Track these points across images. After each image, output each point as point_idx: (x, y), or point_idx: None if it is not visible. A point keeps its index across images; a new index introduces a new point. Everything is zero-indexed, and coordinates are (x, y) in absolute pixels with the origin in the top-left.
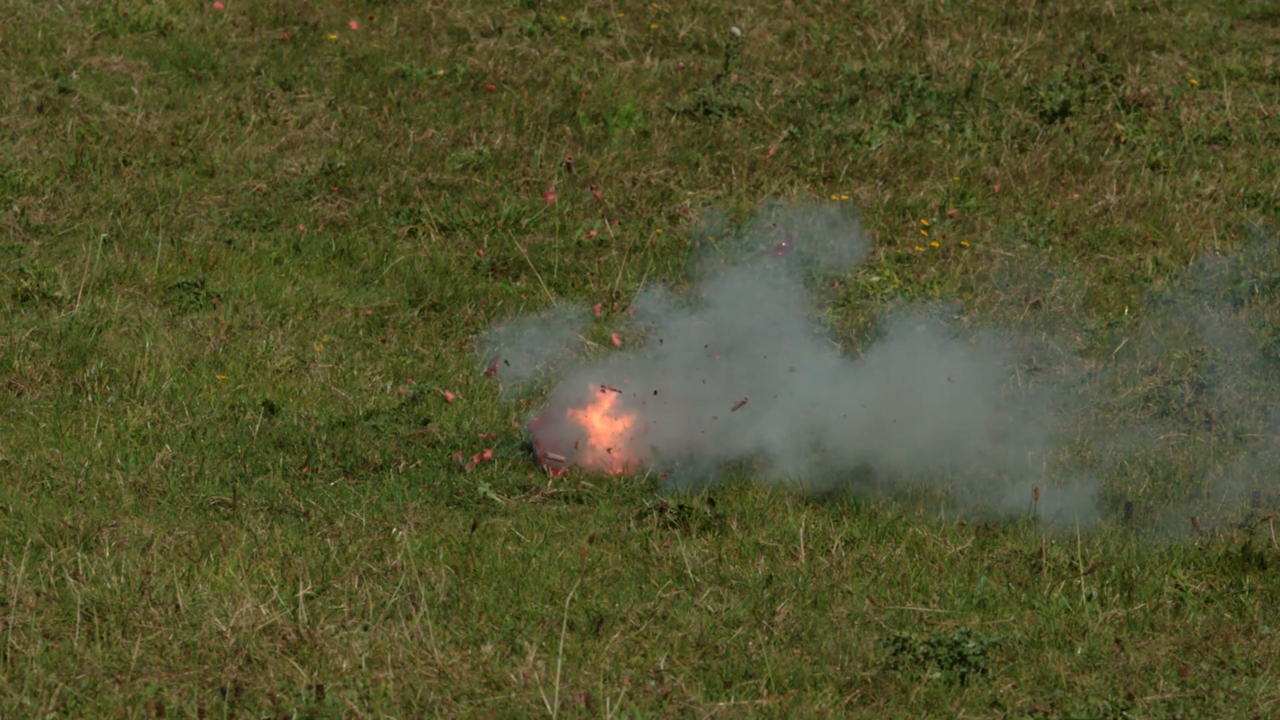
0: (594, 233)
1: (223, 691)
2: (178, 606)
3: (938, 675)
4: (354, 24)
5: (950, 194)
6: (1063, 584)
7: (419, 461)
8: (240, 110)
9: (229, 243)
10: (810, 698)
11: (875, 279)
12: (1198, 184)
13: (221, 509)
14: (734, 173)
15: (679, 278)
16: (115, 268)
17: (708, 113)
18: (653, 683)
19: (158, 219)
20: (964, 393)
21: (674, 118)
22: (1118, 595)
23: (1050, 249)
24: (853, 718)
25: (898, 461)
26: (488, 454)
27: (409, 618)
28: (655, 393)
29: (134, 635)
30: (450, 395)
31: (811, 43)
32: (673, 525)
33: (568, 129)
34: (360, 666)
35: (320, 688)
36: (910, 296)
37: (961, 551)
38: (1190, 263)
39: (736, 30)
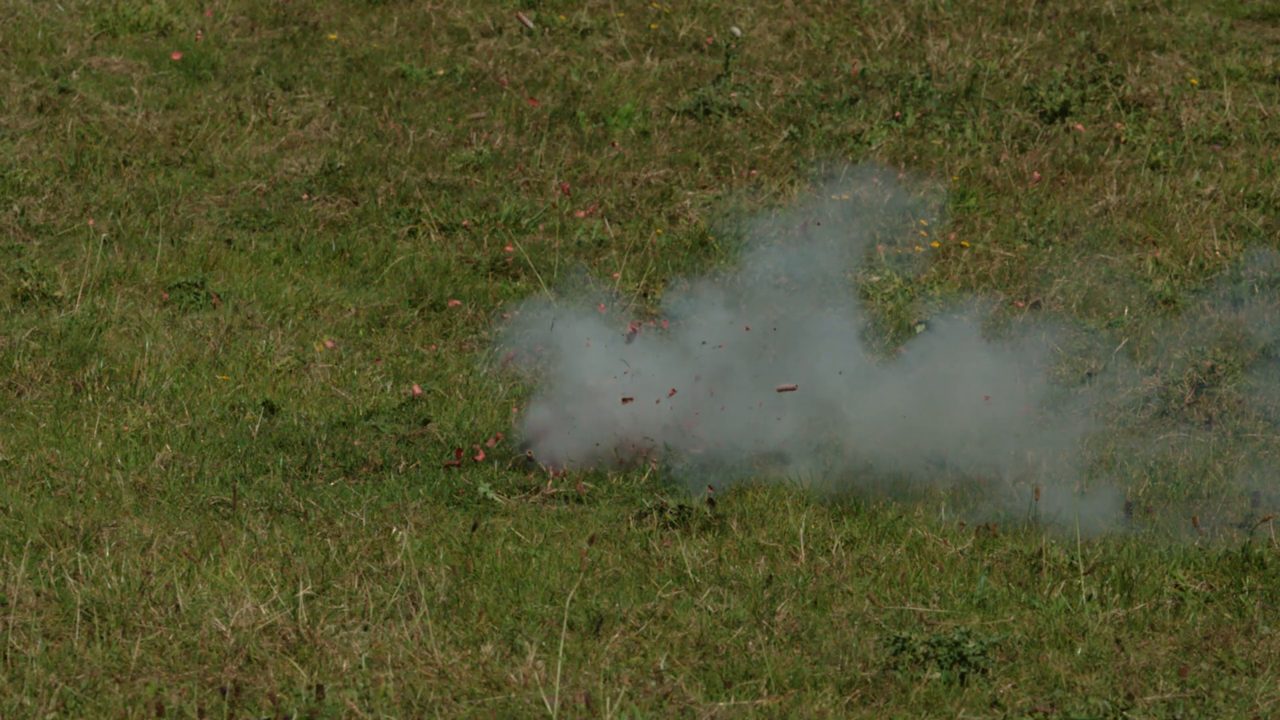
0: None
1: (223, 691)
2: (178, 606)
3: (938, 675)
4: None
5: (950, 194)
6: (1063, 584)
7: (419, 461)
8: (240, 110)
9: (229, 243)
10: (810, 698)
11: (875, 279)
12: (1198, 184)
13: (221, 509)
14: (734, 173)
15: (700, 272)
16: (115, 268)
17: (708, 113)
18: (653, 683)
19: (158, 219)
20: (998, 397)
21: (674, 118)
22: (1118, 595)
23: (1050, 249)
24: (853, 718)
25: (928, 464)
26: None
27: (409, 618)
28: (672, 393)
29: (134, 635)
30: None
31: (811, 43)
32: (673, 525)
33: (570, 127)
34: (360, 666)
35: (320, 688)
36: (910, 296)
37: (961, 551)
38: (1190, 262)
39: (736, 30)
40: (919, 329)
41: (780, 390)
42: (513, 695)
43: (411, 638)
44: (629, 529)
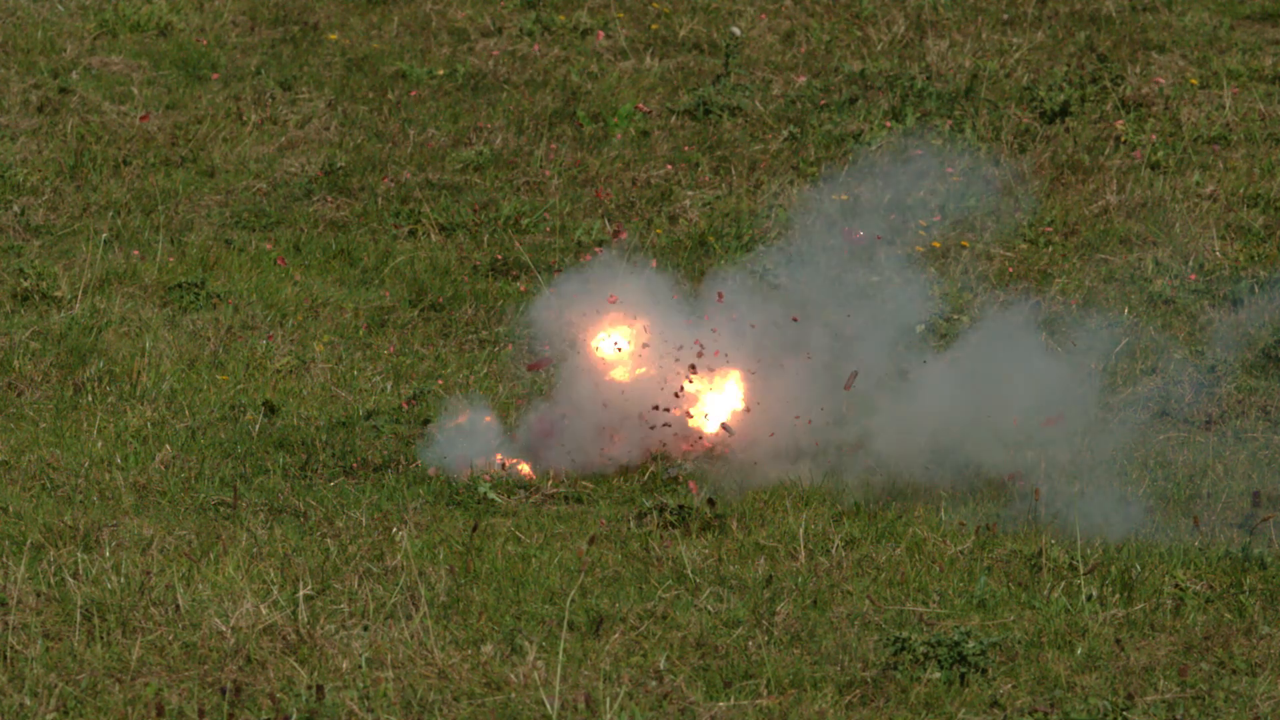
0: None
1: (223, 691)
2: (178, 606)
3: (938, 675)
4: None
5: (950, 195)
6: (1063, 584)
7: (419, 461)
8: (240, 110)
9: (228, 243)
10: (810, 698)
11: (875, 279)
12: (1198, 184)
13: (221, 509)
14: (734, 173)
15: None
16: (115, 268)
17: (708, 113)
18: (653, 683)
19: (158, 219)
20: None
21: (674, 118)
22: (1118, 595)
23: (1050, 249)
24: (853, 718)
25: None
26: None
27: (409, 618)
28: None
29: (134, 635)
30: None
31: (811, 43)
32: (673, 525)
33: (570, 128)
34: (360, 666)
35: (320, 688)
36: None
37: (961, 551)
38: (1190, 262)
39: (736, 30)
40: (918, 329)
41: (850, 380)
42: (513, 695)
43: (411, 638)
44: (629, 529)
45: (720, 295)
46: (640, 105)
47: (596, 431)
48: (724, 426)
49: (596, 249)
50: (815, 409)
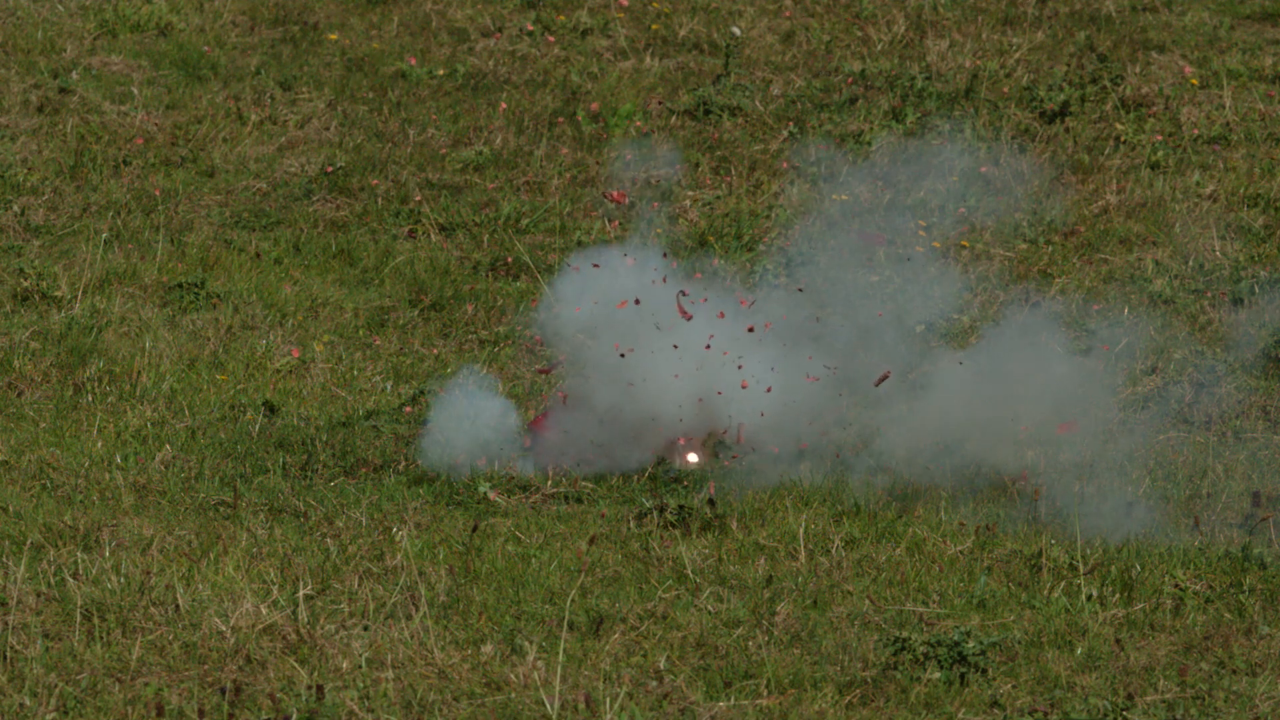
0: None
1: (223, 691)
2: (178, 606)
3: (938, 675)
4: None
5: (950, 194)
6: (1063, 584)
7: (419, 461)
8: (240, 110)
9: (229, 243)
10: (810, 698)
11: (874, 279)
12: (1198, 184)
13: (221, 509)
14: (734, 173)
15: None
16: (115, 268)
17: (708, 113)
18: (653, 683)
19: (158, 219)
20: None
21: (674, 118)
22: (1118, 595)
23: (1050, 249)
24: (853, 718)
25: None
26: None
27: (409, 618)
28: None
29: (134, 635)
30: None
31: (811, 43)
32: (673, 525)
33: (570, 127)
34: (360, 666)
35: (320, 688)
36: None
37: (961, 551)
38: (1190, 263)
39: (736, 30)
40: (919, 329)
41: (882, 380)
42: (513, 695)
43: (411, 638)
44: (629, 529)
45: (745, 302)
46: (654, 97)
47: (610, 436)
48: (739, 434)
49: (608, 241)
50: (828, 412)
